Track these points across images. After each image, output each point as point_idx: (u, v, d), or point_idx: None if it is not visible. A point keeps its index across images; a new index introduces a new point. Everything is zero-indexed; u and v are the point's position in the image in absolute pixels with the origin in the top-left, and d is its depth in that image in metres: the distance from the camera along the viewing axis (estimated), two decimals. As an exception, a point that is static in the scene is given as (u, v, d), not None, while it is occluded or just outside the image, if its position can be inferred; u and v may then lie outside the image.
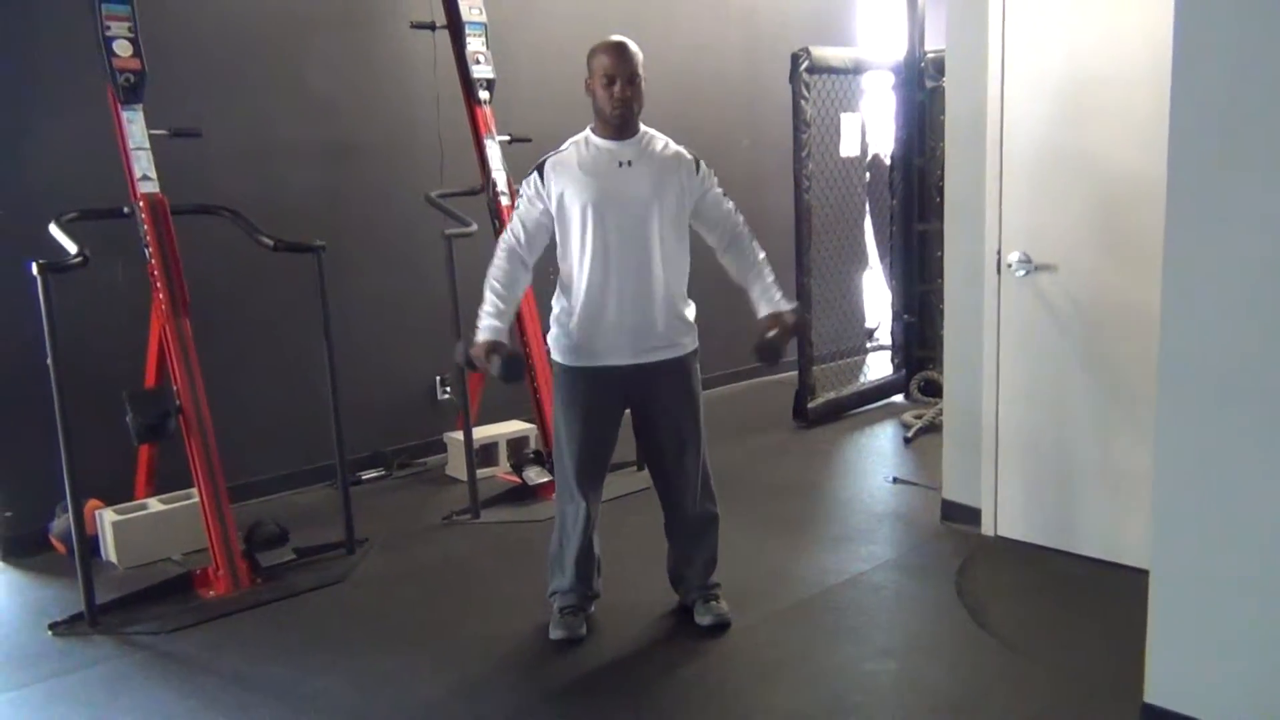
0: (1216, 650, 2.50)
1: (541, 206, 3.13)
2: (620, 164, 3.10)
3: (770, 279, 3.24)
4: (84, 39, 3.83)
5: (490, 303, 3.12)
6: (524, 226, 3.16)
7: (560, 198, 3.10)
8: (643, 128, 3.18)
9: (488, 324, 3.09)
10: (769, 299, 3.21)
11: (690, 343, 3.26)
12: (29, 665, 3.29)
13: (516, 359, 3.11)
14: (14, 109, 4.12)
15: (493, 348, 3.05)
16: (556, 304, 3.23)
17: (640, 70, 3.08)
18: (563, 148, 3.17)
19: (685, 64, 6.34)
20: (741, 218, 3.31)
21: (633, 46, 3.09)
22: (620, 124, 3.10)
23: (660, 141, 3.19)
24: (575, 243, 3.11)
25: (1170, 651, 2.59)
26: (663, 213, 3.11)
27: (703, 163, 3.22)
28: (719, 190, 3.26)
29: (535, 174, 3.14)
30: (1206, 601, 2.50)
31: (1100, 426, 3.68)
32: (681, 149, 3.21)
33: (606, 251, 3.08)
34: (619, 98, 3.04)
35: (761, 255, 3.28)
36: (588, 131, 3.17)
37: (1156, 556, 2.58)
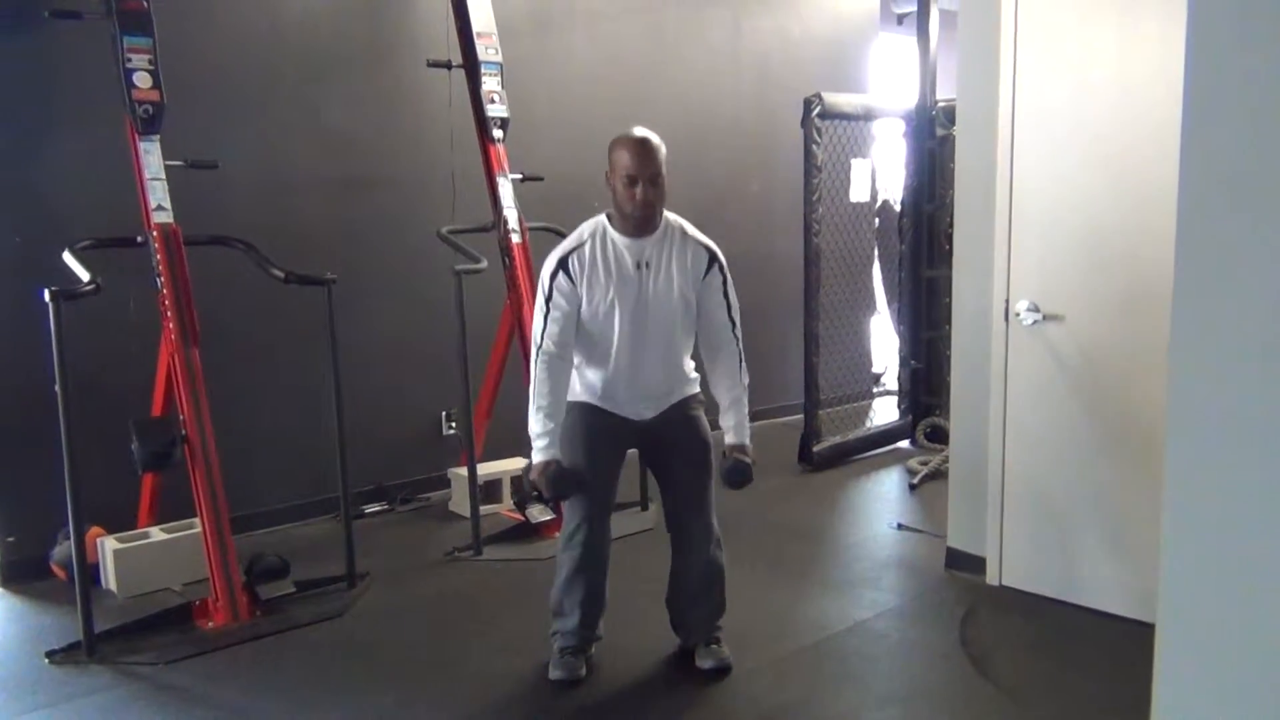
0: (1226, 707, 2.47)
1: (573, 305, 3.10)
2: (639, 265, 3.09)
3: (745, 410, 3.25)
4: (103, 69, 3.88)
5: (539, 421, 3.10)
6: (559, 331, 3.10)
7: (586, 294, 3.10)
8: (663, 219, 3.14)
9: (540, 444, 3.09)
10: (738, 431, 3.23)
11: (692, 386, 3.30)
12: (25, 693, 3.27)
13: (564, 476, 3.10)
14: (31, 137, 4.17)
15: (544, 468, 3.07)
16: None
17: (663, 168, 3.03)
18: (581, 240, 3.13)
19: (698, 107, 6.40)
20: (736, 334, 3.24)
21: (655, 143, 3.03)
22: (640, 224, 3.08)
23: (678, 234, 3.15)
24: (592, 332, 3.14)
25: (1177, 708, 2.55)
26: (675, 308, 3.14)
27: (718, 262, 3.18)
28: (722, 298, 3.21)
29: (561, 274, 3.09)
30: (1215, 657, 2.47)
31: (1107, 478, 3.66)
32: (700, 241, 3.18)
33: (621, 343, 3.13)
34: (641, 200, 3.00)
35: (745, 382, 3.26)
36: (604, 222, 3.14)
37: (1164, 610, 2.56)
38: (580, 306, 3.10)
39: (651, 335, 3.13)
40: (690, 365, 3.30)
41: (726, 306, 3.22)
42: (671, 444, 3.27)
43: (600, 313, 3.10)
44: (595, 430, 3.22)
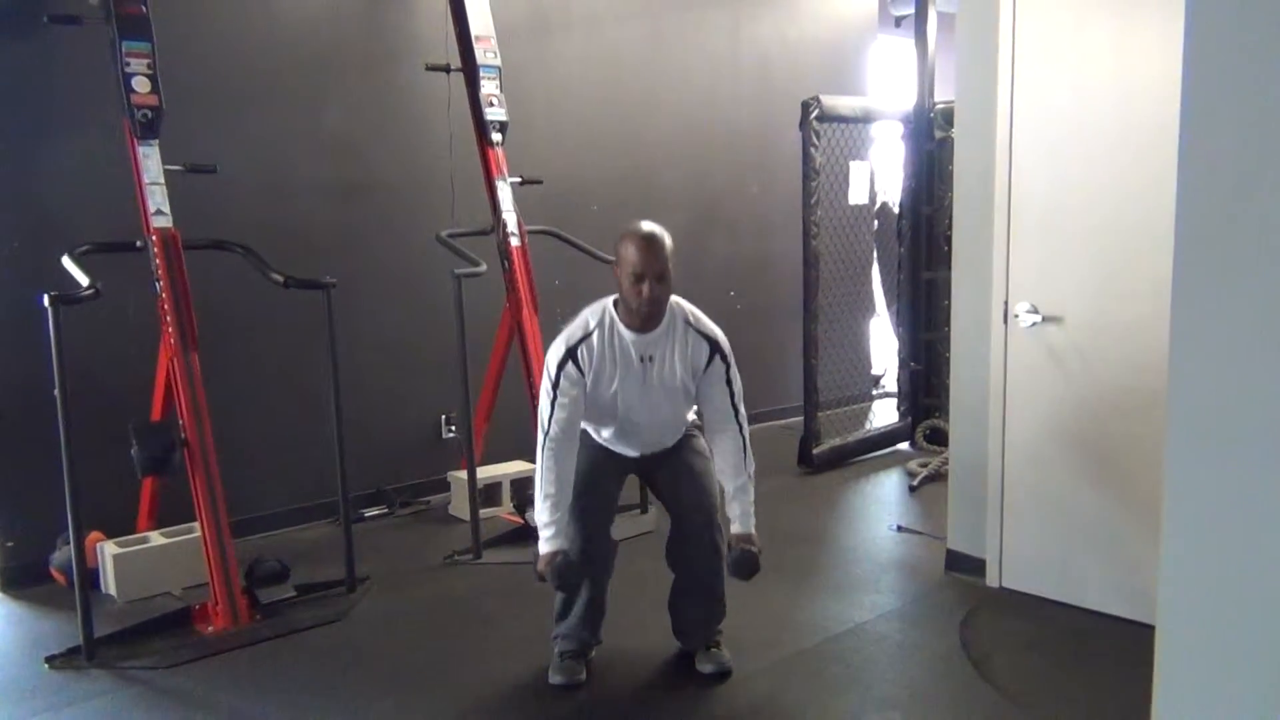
0: (1226, 709, 2.47)
1: (580, 392, 3.13)
2: (643, 359, 3.13)
3: (751, 498, 3.26)
4: (102, 74, 3.89)
5: (546, 510, 3.10)
6: (566, 418, 3.12)
7: (593, 382, 3.14)
8: (669, 309, 3.16)
9: (546, 534, 3.10)
10: (744, 520, 3.24)
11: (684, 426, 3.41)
12: (24, 698, 3.27)
13: (569, 567, 3.10)
14: (30, 142, 4.17)
15: (550, 558, 3.08)
16: None
17: (670, 264, 3.04)
18: (589, 330, 3.14)
19: (696, 110, 6.40)
20: (739, 420, 3.24)
21: (662, 239, 3.05)
22: (646, 319, 3.11)
23: (681, 325, 3.17)
24: (595, 412, 3.22)
25: (1177, 709, 2.55)
26: (675, 396, 3.21)
27: (719, 352, 3.19)
28: (724, 385, 3.21)
29: (570, 364, 3.11)
30: (1215, 659, 2.47)
31: (1107, 478, 3.66)
32: (702, 332, 3.19)
33: (624, 420, 3.22)
34: (648, 297, 3.02)
35: (750, 471, 3.27)
36: (612, 312, 3.15)
37: (1164, 611, 2.56)
38: (586, 390, 3.15)
39: (653, 415, 3.23)
40: (690, 415, 3.39)
41: (729, 394, 3.23)
42: (670, 463, 3.35)
43: (604, 397, 3.17)
44: (597, 450, 3.32)
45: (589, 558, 3.21)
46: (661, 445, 3.33)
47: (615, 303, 3.16)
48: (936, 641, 3.58)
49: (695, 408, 3.35)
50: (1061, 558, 3.81)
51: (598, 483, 3.26)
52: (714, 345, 3.19)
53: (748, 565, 3.17)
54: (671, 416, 3.28)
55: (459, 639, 3.68)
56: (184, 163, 4.02)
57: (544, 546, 3.08)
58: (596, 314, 3.17)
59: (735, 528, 3.22)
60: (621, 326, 3.13)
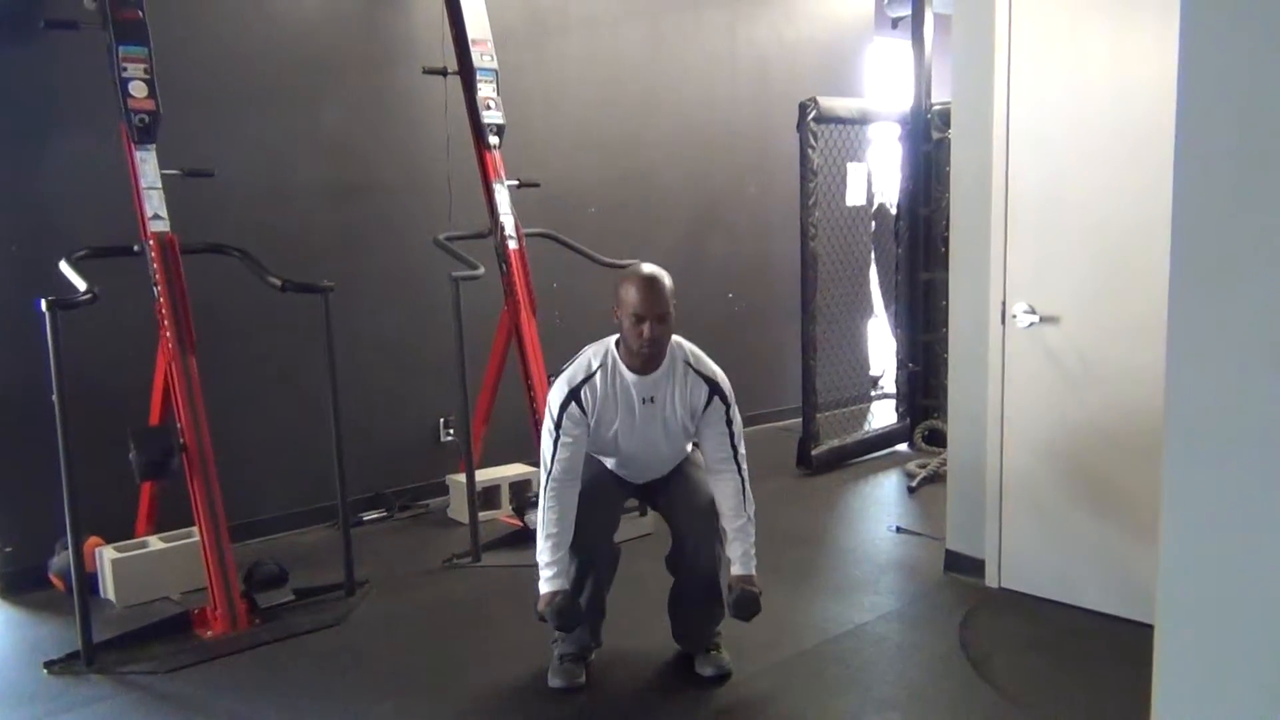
0: (1225, 708, 2.47)
1: (582, 432, 3.15)
2: (644, 400, 3.15)
3: (751, 539, 3.26)
4: (99, 78, 3.89)
5: (546, 550, 3.11)
6: (569, 458, 3.13)
7: (595, 421, 3.16)
8: (670, 351, 3.16)
9: (547, 574, 3.11)
10: (744, 562, 3.24)
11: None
12: (23, 704, 3.26)
13: (567, 607, 3.10)
14: (27, 147, 4.17)
15: (550, 598, 3.09)
16: None
17: (671, 306, 3.05)
18: (591, 372, 3.15)
19: (695, 112, 6.41)
20: (739, 461, 3.24)
21: (662, 281, 3.06)
22: (647, 360, 3.11)
23: (681, 367, 3.18)
24: (595, 448, 3.26)
25: (1176, 709, 2.55)
26: (674, 437, 3.25)
27: (718, 394, 3.19)
28: (724, 427, 3.22)
29: (573, 404, 3.12)
30: (1214, 658, 2.47)
31: (1105, 479, 3.66)
32: (702, 375, 3.19)
33: (625, 455, 3.28)
34: (648, 338, 3.03)
35: (750, 512, 3.26)
36: (613, 352, 3.16)
37: (1163, 611, 2.56)
38: (588, 431, 3.17)
39: (653, 453, 3.28)
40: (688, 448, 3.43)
41: (729, 435, 3.23)
42: (670, 482, 3.39)
43: (605, 437, 3.20)
44: (602, 466, 3.36)
45: (592, 560, 3.22)
46: (660, 474, 3.38)
47: (617, 343, 3.16)
48: (936, 642, 3.58)
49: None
50: (1060, 558, 3.81)
51: (602, 488, 3.29)
52: (713, 387, 3.19)
53: (748, 606, 3.18)
54: (670, 454, 3.33)
55: (458, 642, 3.68)
56: (181, 167, 4.03)
57: (544, 586, 3.09)
58: (599, 355, 3.17)
59: (736, 569, 3.22)
60: (623, 368, 3.14)
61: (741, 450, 3.24)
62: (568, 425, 3.12)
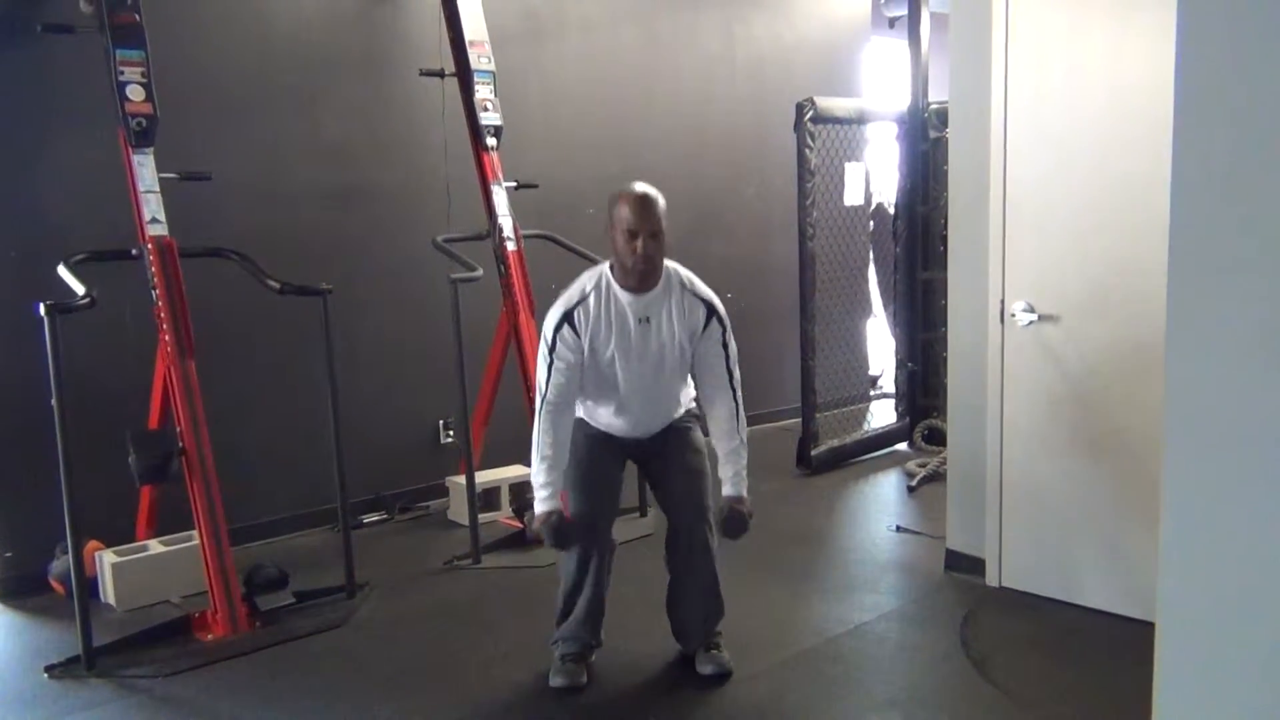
0: (1226, 706, 2.47)
1: (577, 357, 3.14)
2: (640, 320, 3.14)
3: (743, 462, 3.27)
4: (96, 81, 3.89)
5: (542, 471, 3.13)
6: (564, 383, 3.14)
7: (589, 347, 3.14)
8: (664, 271, 3.17)
9: (542, 494, 3.13)
10: (735, 484, 3.25)
11: (688, 405, 3.40)
12: (24, 708, 3.26)
13: (563, 527, 3.13)
14: (25, 150, 4.17)
15: (545, 518, 3.11)
16: None
17: (663, 223, 3.06)
18: (585, 294, 3.15)
19: (692, 113, 6.41)
20: (733, 384, 3.25)
21: (655, 198, 3.07)
22: (641, 278, 3.11)
23: (678, 288, 3.18)
24: (596, 382, 3.21)
25: (1178, 707, 2.55)
26: (674, 361, 3.21)
27: (716, 315, 3.20)
28: (720, 349, 3.23)
29: (566, 327, 3.12)
30: (1215, 655, 2.47)
31: (1105, 477, 3.67)
32: (699, 295, 3.20)
33: (625, 394, 3.20)
34: (642, 254, 3.03)
35: (743, 433, 3.27)
36: (607, 274, 3.17)
37: (1164, 609, 2.56)
38: (583, 356, 3.15)
39: (652, 382, 3.22)
40: (688, 393, 3.38)
41: (725, 358, 3.24)
42: (667, 454, 3.33)
43: (603, 363, 3.17)
44: (596, 440, 3.30)
45: (591, 552, 3.22)
46: (660, 422, 3.31)
47: (612, 267, 3.17)
48: (936, 641, 3.58)
49: (694, 391, 3.37)
50: (1061, 556, 3.81)
51: (599, 479, 3.26)
52: (710, 307, 3.20)
53: (736, 524, 3.22)
54: (669, 385, 3.26)
55: (459, 644, 3.68)
56: (179, 170, 4.02)
57: (540, 506, 3.12)
58: (593, 278, 3.18)
59: (726, 490, 3.25)
60: (618, 289, 3.13)
61: (737, 375, 3.25)
62: (561, 349, 3.12)
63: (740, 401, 3.26)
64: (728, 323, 3.24)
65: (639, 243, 3.02)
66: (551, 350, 3.13)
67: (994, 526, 3.96)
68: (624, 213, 3.04)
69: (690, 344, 3.20)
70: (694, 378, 3.33)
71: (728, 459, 3.25)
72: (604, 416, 3.31)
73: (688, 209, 6.44)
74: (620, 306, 3.13)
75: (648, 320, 3.14)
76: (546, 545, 3.19)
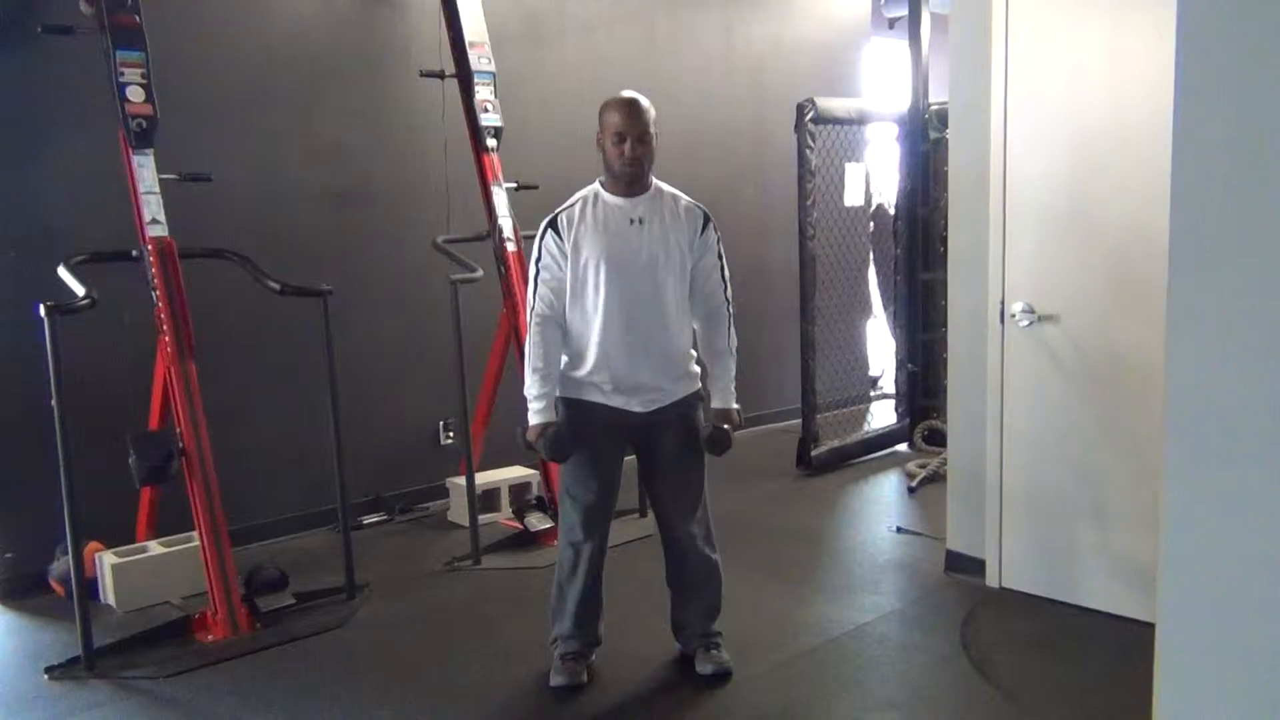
0: (1226, 706, 2.47)
1: (563, 262, 3.11)
2: (631, 221, 3.10)
3: (732, 372, 3.26)
4: (96, 82, 3.89)
5: (534, 384, 3.13)
6: (552, 291, 3.12)
7: (574, 252, 3.10)
8: (653, 182, 3.18)
9: (536, 407, 3.12)
10: (724, 394, 3.24)
11: (693, 384, 3.27)
12: (24, 709, 3.26)
13: (561, 439, 3.12)
14: (25, 151, 4.17)
15: (542, 430, 3.10)
16: (567, 348, 3.20)
17: (651, 127, 3.08)
18: (571, 202, 3.15)
19: (692, 113, 6.41)
20: (727, 295, 3.25)
21: (644, 103, 3.09)
22: (630, 181, 3.10)
23: (670, 196, 3.19)
24: (586, 299, 3.11)
25: (1178, 707, 2.55)
26: (672, 271, 3.13)
27: (711, 223, 3.20)
28: (716, 259, 3.22)
29: (551, 232, 3.11)
30: (1216, 657, 2.47)
31: (1105, 478, 3.66)
32: (692, 203, 3.21)
33: (617, 309, 3.09)
34: (630, 156, 3.05)
35: (733, 344, 3.27)
36: (597, 186, 3.17)
37: (1164, 610, 2.56)
38: (570, 264, 3.09)
39: (651, 301, 3.11)
40: (693, 363, 3.28)
41: (720, 268, 3.23)
42: (666, 448, 3.24)
43: (592, 270, 3.08)
44: (595, 429, 3.19)
45: (590, 547, 3.22)
46: (662, 376, 3.16)
47: (602, 183, 3.17)
48: (937, 642, 3.58)
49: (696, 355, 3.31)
50: (1061, 557, 3.81)
51: (597, 476, 3.20)
52: (706, 214, 3.20)
53: (721, 443, 3.20)
54: (670, 309, 3.13)
55: (459, 644, 3.68)
56: (179, 171, 4.03)
57: (534, 419, 3.12)
58: (582, 192, 3.19)
59: (715, 401, 3.23)
60: (607, 195, 3.13)
61: (730, 286, 3.26)
62: (546, 259, 3.11)
63: (733, 315, 3.26)
64: (720, 234, 3.24)
65: (627, 145, 3.04)
66: (538, 261, 3.12)
67: (994, 527, 3.96)
68: (612, 118, 3.07)
69: (690, 252, 3.15)
70: (690, 295, 3.22)
71: (718, 368, 3.24)
72: (600, 364, 3.12)
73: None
74: (610, 210, 3.11)
75: (641, 221, 3.11)
76: (542, 456, 3.16)
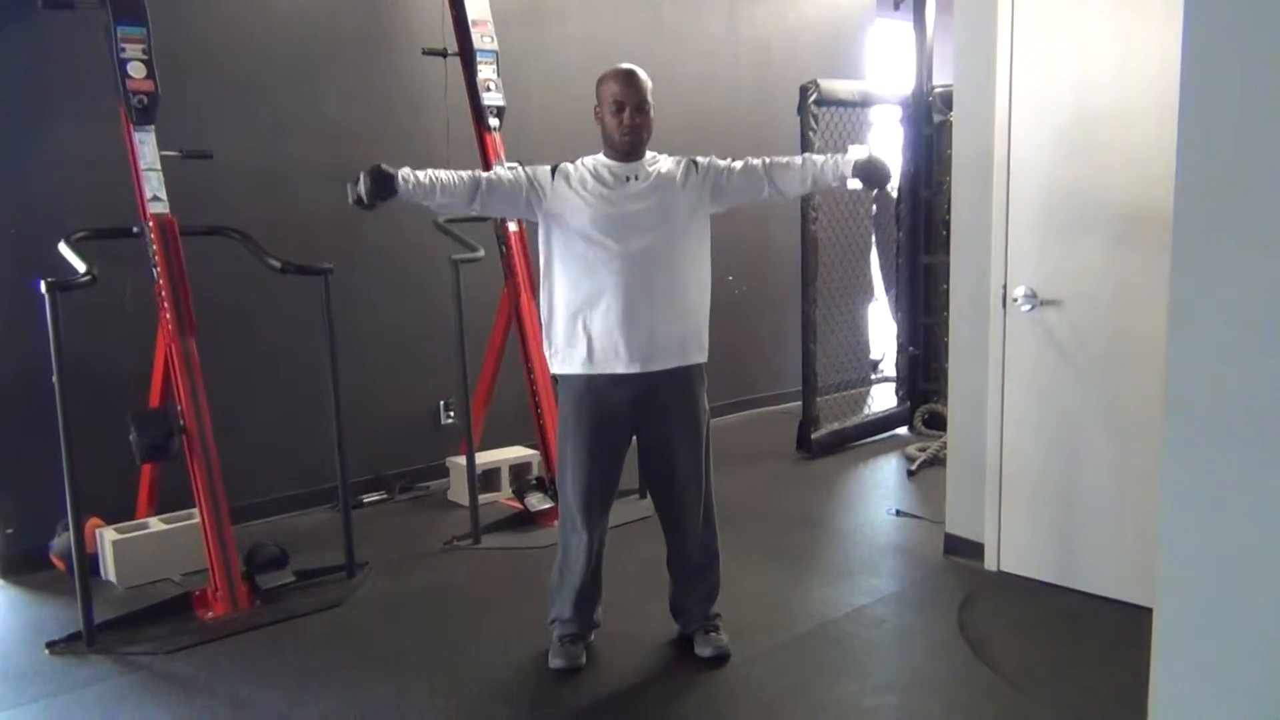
0: (1222, 691, 2.47)
1: (530, 191, 3.12)
2: (628, 179, 3.12)
3: (827, 156, 3.18)
4: (97, 59, 3.87)
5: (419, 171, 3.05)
6: (501, 180, 3.13)
7: (563, 209, 3.09)
8: (649, 152, 3.20)
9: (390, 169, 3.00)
10: (844, 159, 3.12)
11: (698, 355, 3.21)
12: (25, 684, 3.28)
13: (380, 172, 2.97)
14: (25, 127, 4.15)
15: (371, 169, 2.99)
16: (558, 314, 3.15)
17: (649, 98, 3.10)
18: (573, 162, 3.20)
19: (695, 95, 6.38)
20: (763, 159, 3.20)
21: (641, 74, 3.12)
22: (629, 150, 3.13)
23: (664, 157, 3.22)
24: (581, 256, 3.08)
25: (1175, 692, 2.56)
26: (672, 225, 3.11)
27: (699, 158, 3.20)
28: (726, 163, 3.20)
29: (548, 169, 3.15)
30: (1213, 641, 2.48)
31: (1105, 462, 3.67)
32: (679, 157, 3.22)
33: (613, 264, 3.05)
34: (628, 125, 3.07)
35: (802, 158, 3.21)
36: (599, 155, 3.20)
37: (1161, 594, 2.57)
38: (565, 218, 3.10)
39: (637, 248, 3.07)
40: (701, 330, 3.21)
41: (733, 161, 3.20)
42: (668, 428, 3.22)
43: (584, 225, 3.07)
44: (596, 418, 3.16)
45: (590, 533, 3.22)
46: (670, 337, 3.12)
47: (603, 152, 3.19)
48: (935, 625, 3.59)
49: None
50: (1060, 541, 3.82)
51: (600, 457, 3.19)
52: (691, 158, 3.20)
53: (880, 168, 3.09)
54: (662, 271, 3.09)
55: (459, 624, 3.69)
56: (180, 148, 4.01)
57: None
58: (583, 157, 3.22)
59: (851, 158, 3.10)
60: (604, 159, 3.17)
61: (755, 158, 3.22)
62: (526, 173, 3.14)
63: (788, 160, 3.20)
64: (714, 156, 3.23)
65: (626, 114, 3.06)
66: (523, 171, 3.15)
67: (993, 511, 3.97)
68: (611, 87, 3.10)
69: (691, 193, 3.14)
70: (754, 183, 3.18)
71: (813, 166, 3.15)
72: (601, 323, 3.07)
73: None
74: (606, 170, 3.14)
75: (635, 178, 3.13)
76: (362, 189, 3.00)
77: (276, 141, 4.81)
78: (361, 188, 2.99)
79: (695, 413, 3.23)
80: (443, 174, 3.08)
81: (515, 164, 3.13)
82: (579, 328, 3.10)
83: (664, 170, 3.17)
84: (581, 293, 3.09)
